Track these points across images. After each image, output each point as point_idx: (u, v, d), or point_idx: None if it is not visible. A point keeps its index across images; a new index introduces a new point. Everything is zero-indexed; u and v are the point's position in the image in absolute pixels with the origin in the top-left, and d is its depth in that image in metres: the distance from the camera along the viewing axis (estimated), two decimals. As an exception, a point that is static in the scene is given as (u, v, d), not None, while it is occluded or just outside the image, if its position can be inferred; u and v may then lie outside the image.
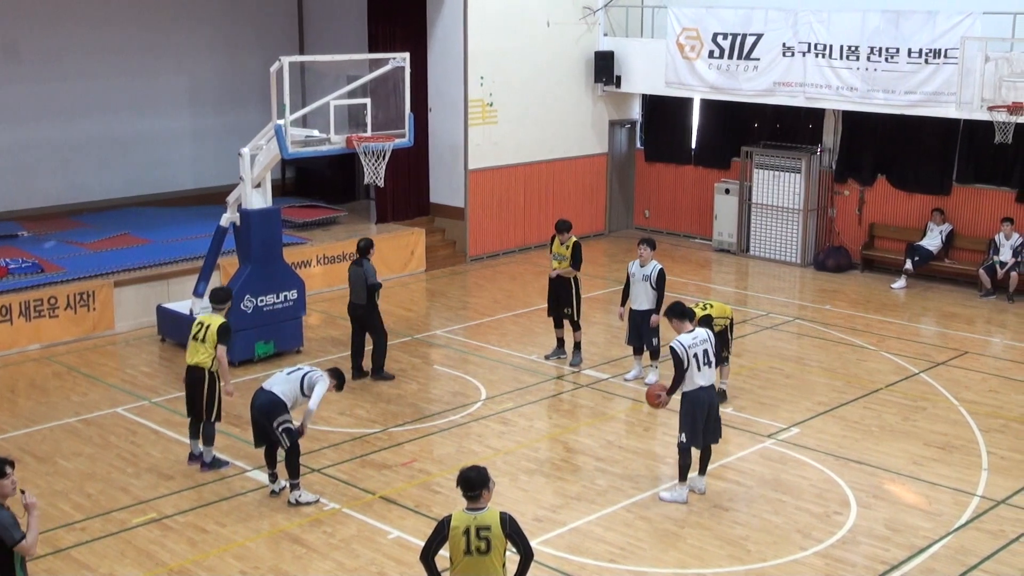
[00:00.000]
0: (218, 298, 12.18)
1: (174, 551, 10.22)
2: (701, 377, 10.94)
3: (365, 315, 14.65)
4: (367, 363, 14.79)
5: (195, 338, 11.80)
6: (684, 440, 11.02)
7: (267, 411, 10.96)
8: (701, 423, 11.02)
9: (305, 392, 11.06)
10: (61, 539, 10.43)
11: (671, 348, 10.91)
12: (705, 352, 10.97)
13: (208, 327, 11.72)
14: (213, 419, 11.81)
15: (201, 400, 11.74)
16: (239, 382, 14.11)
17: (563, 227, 15.02)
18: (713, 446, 11.35)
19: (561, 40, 21.99)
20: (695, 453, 11.18)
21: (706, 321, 12.93)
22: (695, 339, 10.98)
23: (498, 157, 21.33)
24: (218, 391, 11.75)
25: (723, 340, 13.48)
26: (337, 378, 11.29)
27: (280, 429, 10.92)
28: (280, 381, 11.08)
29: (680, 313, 11.15)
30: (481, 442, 12.76)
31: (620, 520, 10.83)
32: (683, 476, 11.15)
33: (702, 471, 11.34)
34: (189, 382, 11.83)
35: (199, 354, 11.71)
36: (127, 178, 21.56)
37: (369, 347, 14.82)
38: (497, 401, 14.02)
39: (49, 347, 16.04)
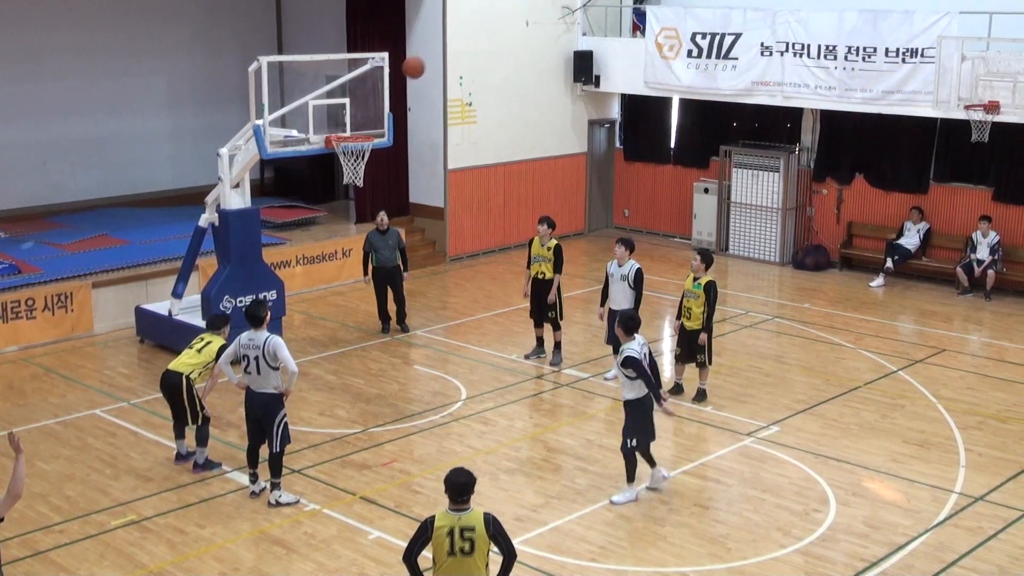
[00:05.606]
0: (216, 324, 12.13)
1: (153, 553, 10.17)
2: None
3: (397, 274, 16.37)
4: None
5: (191, 347, 11.86)
6: (635, 444, 11.03)
7: (264, 409, 10.92)
8: (649, 426, 11.11)
9: (270, 363, 10.83)
10: (39, 542, 10.37)
11: (629, 357, 10.80)
12: (650, 354, 11.02)
13: (210, 343, 11.78)
14: (203, 419, 11.74)
15: (183, 407, 11.68)
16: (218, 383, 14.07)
17: (544, 219, 14.99)
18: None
19: (540, 40, 22.00)
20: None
21: (710, 286, 13.35)
22: (642, 345, 10.98)
23: (477, 157, 21.32)
24: (196, 394, 11.70)
25: (699, 344, 13.59)
26: (259, 309, 11.03)
27: (279, 428, 10.90)
28: (259, 378, 10.91)
29: (628, 329, 11.05)
30: (462, 442, 12.75)
31: (601, 519, 10.85)
32: (632, 477, 11.17)
33: (652, 462, 11.34)
34: (167, 389, 11.77)
35: (185, 358, 11.74)
36: (105, 178, 21.45)
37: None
38: (477, 401, 14.02)
39: (27, 348, 15.94)
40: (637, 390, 10.94)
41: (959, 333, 17.11)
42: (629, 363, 10.79)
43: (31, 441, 12.70)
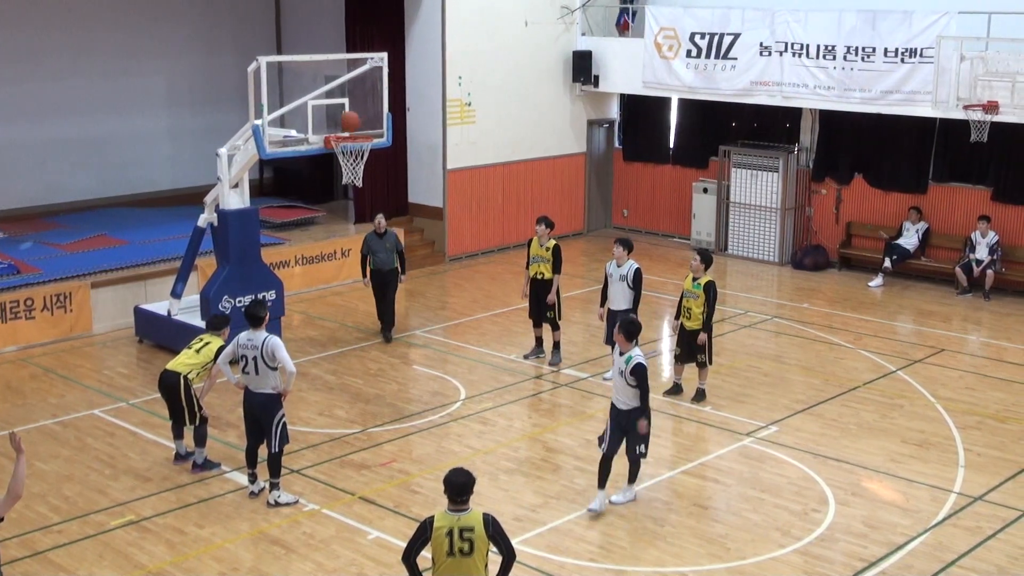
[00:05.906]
0: (216, 324, 12.13)
1: (152, 553, 10.17)
2: None
3: (393, 279, 16.19)
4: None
5: (190, 347, 11.88)
6: (644, 451, 10.97)
7: (262, 409, 10.92)
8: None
9: (268, 363, 10.84)
10: (38, 542, 10.37)
11: (640, 365, 10.62)
12: None
13: (208, 344, 11.81)
14: (201, 419, 11.74)
15: (181, 407, 11.69)
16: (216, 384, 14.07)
17: (543, 219, 15.00)
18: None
19: (539, 40, 22.00)
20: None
21: (710, 286, 13.36)
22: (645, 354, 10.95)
23: (476, 157, 21.32)
24: (194, 394, 11.70)
25: (700, 344, 13.59)
26: (259, 309, 11.06)
27: (278, 428, 10.90)
28: (257, 378, 10.94)
29: (629, 335, 10.84)
30: (460, 442, 12.75)
31: (600, 519, 10.84)
32: (634, 479, 11.15)
33: (604, 483, 11.15)
34: (165, 389, 11.78)
35: (184, 358, 11.77)
36: (104, 179, 21.45)
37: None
38: (476, 401, 14.02)
39: (26, 349, 15.94)
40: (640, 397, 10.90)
41: (958, 333, 17.11)
42: (637, 371, 10.62)
43: (30, 441, 12.69)
